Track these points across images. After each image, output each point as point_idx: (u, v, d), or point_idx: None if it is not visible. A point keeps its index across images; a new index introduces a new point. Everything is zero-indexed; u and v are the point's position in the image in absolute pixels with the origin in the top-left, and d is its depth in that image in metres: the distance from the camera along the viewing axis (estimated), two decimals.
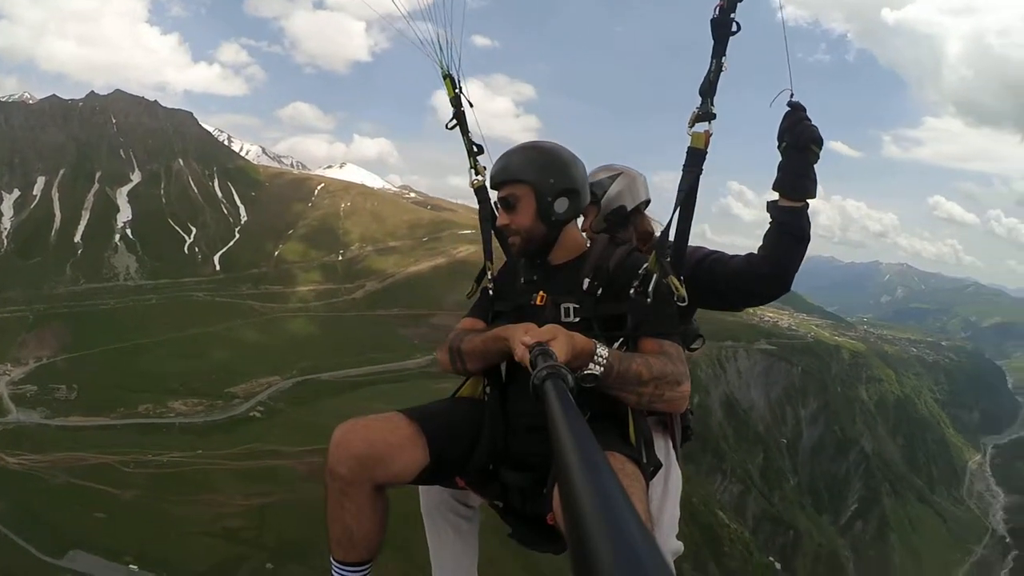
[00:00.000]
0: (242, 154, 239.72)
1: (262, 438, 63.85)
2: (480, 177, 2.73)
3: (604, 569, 0.57)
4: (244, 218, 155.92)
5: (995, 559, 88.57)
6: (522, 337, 1.81)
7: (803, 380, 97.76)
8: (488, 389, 2.34)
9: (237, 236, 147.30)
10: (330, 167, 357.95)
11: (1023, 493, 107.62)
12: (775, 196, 2.40)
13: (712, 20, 2.11)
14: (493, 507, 2.32)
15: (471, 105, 2.80)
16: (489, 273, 2.53)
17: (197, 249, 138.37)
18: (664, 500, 2.25)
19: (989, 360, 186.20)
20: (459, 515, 2.53)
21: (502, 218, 2.31)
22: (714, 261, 2.51)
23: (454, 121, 2.79)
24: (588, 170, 2.45)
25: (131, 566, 43.71)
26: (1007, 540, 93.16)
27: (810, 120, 2.30)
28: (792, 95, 2.31)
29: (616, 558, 0.58)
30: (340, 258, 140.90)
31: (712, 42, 2.14)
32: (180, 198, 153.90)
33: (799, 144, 2.29)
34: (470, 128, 2.81)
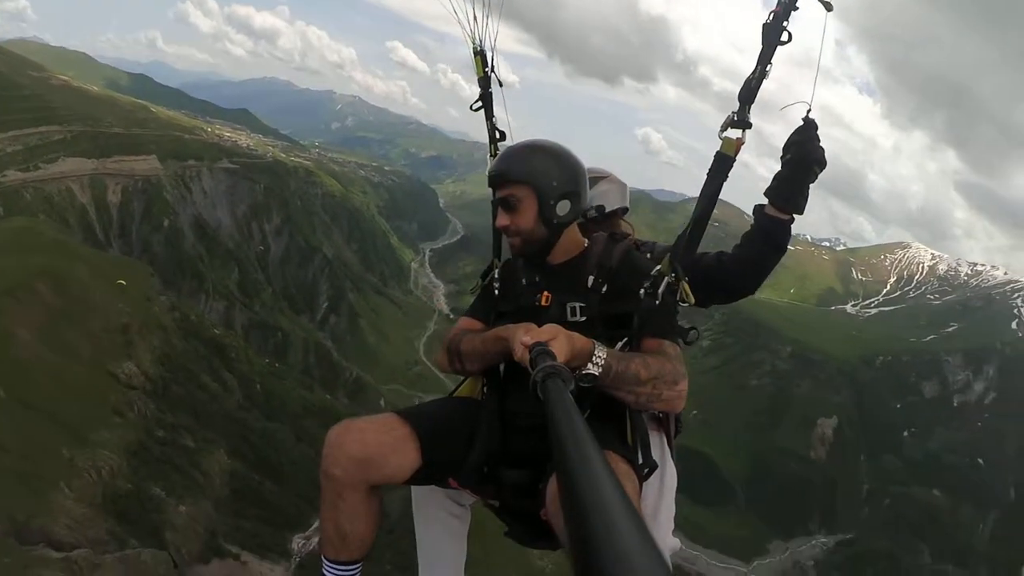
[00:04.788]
0: None
1: None
2: None
3: (604, 567, 0.63)
4: None
5: (445, 331, 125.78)
6: (522, 337, 1.91)
7: (266, 196, 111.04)
8: (486, 389, 2.50)
9: None
10: None
11: (456, 283, 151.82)
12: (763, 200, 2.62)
13: (764, 25, 2.21)
14: (488, 505, 2.49)
15: (500, 85, 2.88)
16: (496, 271, 2.70)
17: None
18: (660, 498, 2.38)
19: (425, 184, 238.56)
20: (450, 514, 2.69)
21: (502, 219, 2.42)
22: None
23: (479, 103, 2.87)
24: None
25: None
26: (450, 316, 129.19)
27: (819, 140, 2.48)
28: (809, 110, 2.44)
29: (615, 555, 0.64)
30: None
31: (760, 47, 2.23)
32: None
33: (805, 162, 2.47)
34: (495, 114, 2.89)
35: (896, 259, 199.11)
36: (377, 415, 2.30)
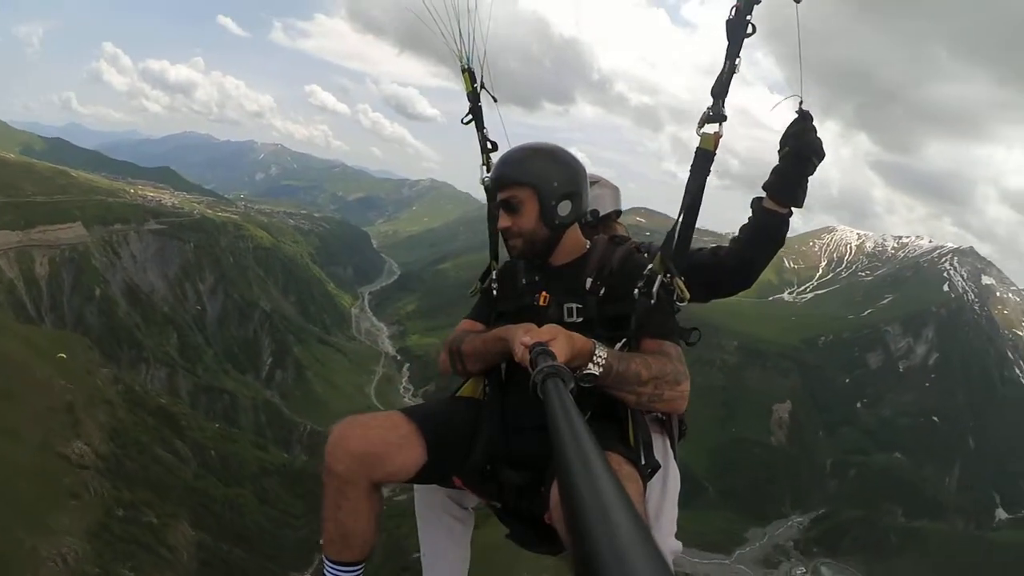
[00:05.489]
0: None
1: None
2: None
3: (604, 568, 0.62)
4: None
5: (393, 373, 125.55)
6: (522, 337, 1.92)
7: (196, 255, 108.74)
8: (488, 389, 2.52)
9: None
10: None
11: (399, 323, 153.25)
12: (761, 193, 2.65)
13: (727, 21, 2.25)
14: (491, 507, 2.49)
15: (495, 100, 2.93)
16: (494, 273, 2.75)
17: None
18: (662, 500, 2.38)
19: (356, 227, 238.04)
20: (453, 516, 2.69)
21: (503, 220, 2.44)
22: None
23: (470, 116, 2.92)
24: None
25: None
26: (397, 358, 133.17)
27: (816, 131, 2.50)
28: (801, 102, 2.50)
29: (615, 557, 0.63)
30: None
31: (727, 43, 2.28)
32: None
33: (803, 154, 2.50)
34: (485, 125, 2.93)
35: (824, 243, 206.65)
36: (381, 412, 2.35)
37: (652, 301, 2.27)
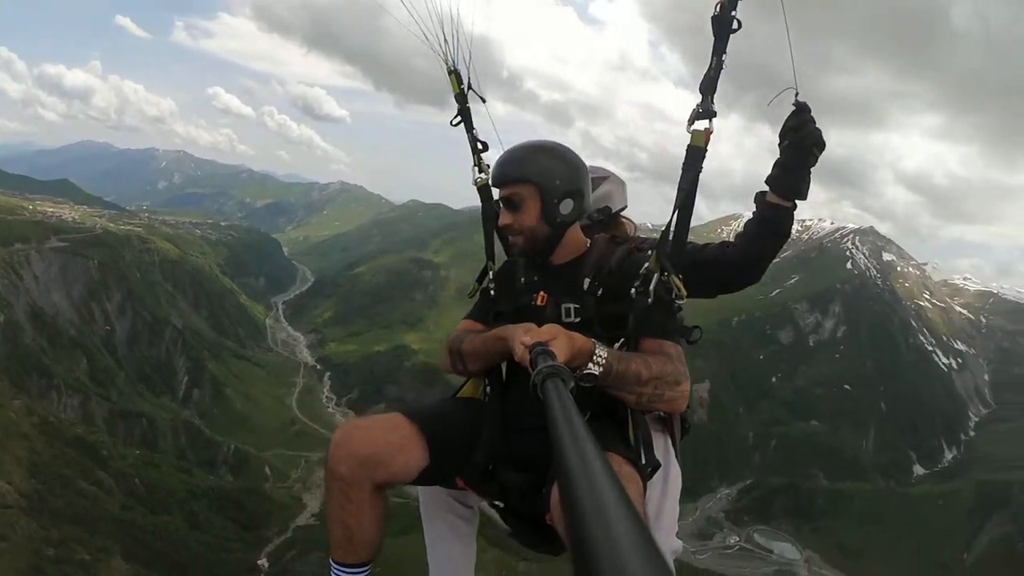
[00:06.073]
0: None
1: None
2: (483, 176, 2.87)
3: (604, 569, 0.62)
4: None
5: (315, 383, 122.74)
6: (522, 337, 1.92)
7: (102, 272, 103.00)
8: (488, 389, 2.53)
9: None
10: None
11: (316, 331, 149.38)
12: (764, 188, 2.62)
13: (713, 17, 2.28)
14: (493, 507, 2.49)
15: (483, 101, 2.93)
16: (491, 273, 2.74)
17: None
18: (663, 499, 2.36)
19: (265, 234, 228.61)
20: (458, 515, 2.72)
21: (504, 217, 2.46)
22: (688, 251, 2.55)
23: (459, 118, 2.93)
24: None
25: None
26: (317, 367, 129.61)
27: (815, 122, 2.48)
28: (797, 94, 2.48)
29: (615, 558, 0.63)
30: None
31: (713, 40, 2.30)
32: None
33: (803, 146, 2.48)
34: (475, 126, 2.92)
35: (731, 230, 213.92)
36: (383, 414, 2.34)
37: (650, 300, 2.28)
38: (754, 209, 2.69)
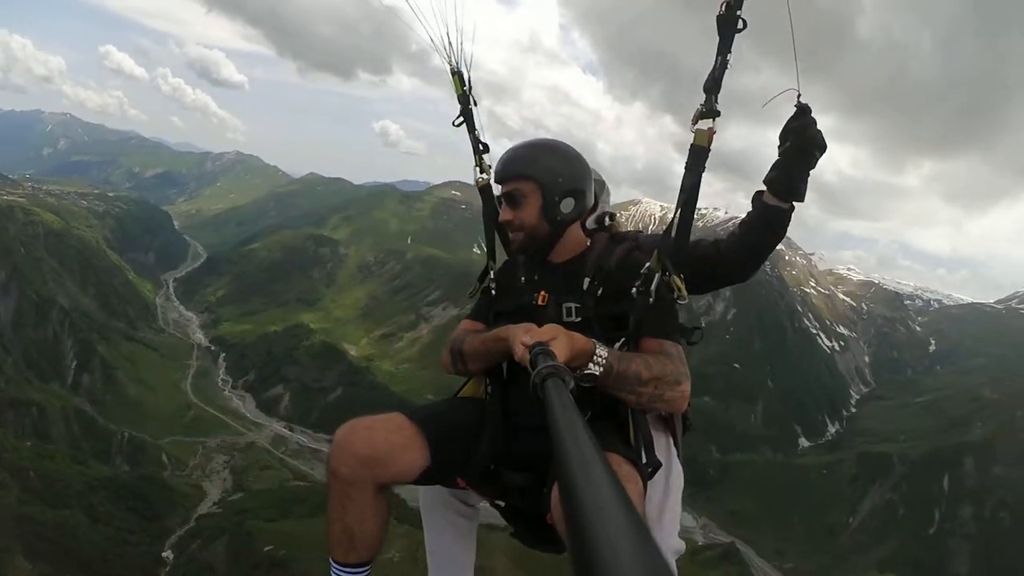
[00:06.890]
0: None
1: None
2: (485, 176, 2.85)
3: (604, 569, 0.62)
4: None
5: (209, 365, 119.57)
6: (522, 337, 1.92)
7: None
8: (489, 389, 2.51)
9: None
10: None
11: (210, 310, 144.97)
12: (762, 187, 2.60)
13: (718, 16, 2.25)
14: (495, 507, 2.50)
15: (475, 104, 2.90)
16: (492, 272, 2.72)
17: None
18: (665, 499, 2.40)
19: (155, 206, 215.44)
20: (459, 514, 2.72)
21: (505, 213, 2.46)
22: None
23: (461, 119, 2.90)
24: None
25: None
26: (211, 348, 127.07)
27: (816, 123, 2.45)
28: (799, 95, 2.43)
29: (616, 558, 0.63)
30: None
31: (717, 39, 2.27)
32: None
33: (805, 147, 2.45)
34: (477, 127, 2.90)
35: (630, 215, 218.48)
36: (384, 414, 2.33)
37: (651, 300, 2.29)
38: (750, 208, 2.70)
